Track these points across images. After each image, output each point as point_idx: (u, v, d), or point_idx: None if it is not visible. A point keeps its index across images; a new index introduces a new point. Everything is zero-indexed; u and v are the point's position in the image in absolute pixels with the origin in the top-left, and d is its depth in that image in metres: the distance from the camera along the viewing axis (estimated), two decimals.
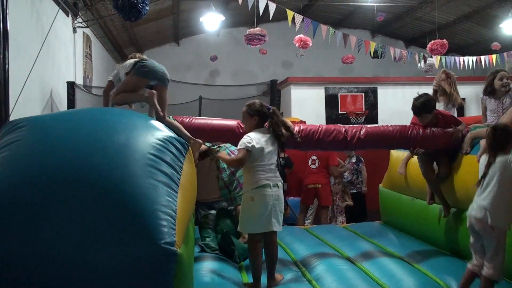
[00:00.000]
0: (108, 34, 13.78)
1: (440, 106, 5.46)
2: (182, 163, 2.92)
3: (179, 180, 2.75)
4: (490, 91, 4.98)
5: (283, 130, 4.09)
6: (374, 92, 14.96)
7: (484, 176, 3.53)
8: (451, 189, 4.66)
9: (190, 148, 3.29)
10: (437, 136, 4.67)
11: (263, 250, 4.06)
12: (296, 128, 4.58)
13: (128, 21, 7.55)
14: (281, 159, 8.24)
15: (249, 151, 3.89)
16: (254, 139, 3.94)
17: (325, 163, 7.56)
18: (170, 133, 3.04)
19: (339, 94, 14.76)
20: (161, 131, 2.98)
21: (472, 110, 13.84)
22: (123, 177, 2.48)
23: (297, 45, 11.60)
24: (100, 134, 2.71)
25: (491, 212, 3.43)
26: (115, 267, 2.34)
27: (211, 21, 12.57)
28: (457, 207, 4.72)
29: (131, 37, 15.26)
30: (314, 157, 7.57)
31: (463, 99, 13.62)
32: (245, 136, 4.01)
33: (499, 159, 3.47)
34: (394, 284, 3.98)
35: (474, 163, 4.12)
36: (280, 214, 4.00)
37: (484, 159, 3.64)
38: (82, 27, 11.02)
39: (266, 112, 4.10)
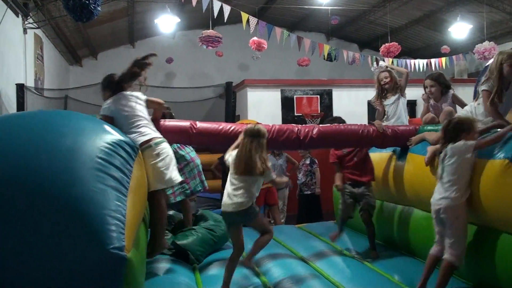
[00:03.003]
0: (61, 35, 13.48)
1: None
2: (132, 167, 2.90)
3: (129, 184, 2.73)
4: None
5: None
6: (329, 94, 15.16)
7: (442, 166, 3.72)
8: (402, 188, 4.79)
9: (140, 151, 3.26)
10: (387, 136, 4.81)
11: None
12: None
13: (79, 22, 7.43)
14: None
15: None
16: None
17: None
18: (120, 136, 3.01)
19: (295, 96, 14.88)
20: (110, 134, 2.94)
21: None
22: (70, 181, 2.45)
23: (252, 47, 11.65)
24: (46, 137, 2.66)
25: (456, 195, 3.60)
26: (63, 272, 2.31)
27: (167, 23, 12.49)
28: (408, 206, 4.86)
29: (84, 38, 14.97)
30: None
31: (415, 101, 14.02)
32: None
33: (450, 147, 3.68)
34: (346, 281, 4.05)
35: (423, 164, 4.27)
36: None
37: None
38: (33, 28, 10.75)
39: None
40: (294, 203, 8.74)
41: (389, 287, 3.99)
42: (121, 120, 3.85)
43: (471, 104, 4.34)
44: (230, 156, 4.04)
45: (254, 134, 3.95)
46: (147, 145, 3.76)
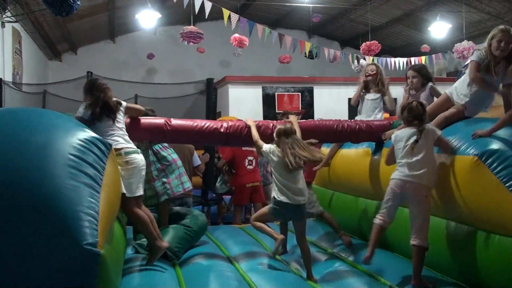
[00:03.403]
0: (40, 29, 13.32)
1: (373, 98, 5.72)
2: (105, 164, 2.89)
3: (102, 180, 2.72)
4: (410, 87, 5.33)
5: None
6: (310, 91, 15.24)
7: (416, 142, 3.76)
8: (378, 183, 4.82)
9: (113, 148, 3.24)
10: (362, 131, 4.85)
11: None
12: (225, 125, 4.62)
13: (59, 16, 7.35)
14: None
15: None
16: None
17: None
18: (92, 134, 3.00)
19: (276, 94, 14.93)
20: (83, 132, 2.93)
21: None
22: (42, 178, 2.44)
23: (233, 44, 11.63)
24: (18, 135, 2.65)
25: (427, 175, 3.71)
26: (36, 269, 2.30)
27: (147, 18, 12.41)
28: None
29: (64, 33, 14.82)
30: (251, 158, 7.68)
31: (395, 99, 14.13)
32: None
33: (424, 128, 3.79)
34: (322, 278, 4.08)
35: None
36: None
37: (403, 132, 3.90)
38: (11, 22, 10.60)
39: None
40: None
41: (365, 282, 4.01)
42: (98, 127, 3.83)
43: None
44: (272, 153, 4.24)
45: (288, 132, 4.21)
46: (117, 153, 3.74)
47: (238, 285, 3.90)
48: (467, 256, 3.60)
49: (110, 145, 3.16)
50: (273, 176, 4.34)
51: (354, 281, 4.01)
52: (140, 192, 4.01)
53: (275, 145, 4.27)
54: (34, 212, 2.34)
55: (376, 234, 3.95)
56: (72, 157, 2.63)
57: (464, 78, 4.20)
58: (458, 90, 4.20)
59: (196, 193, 8.19)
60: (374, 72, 5.70)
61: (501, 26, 3.97)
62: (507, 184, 3.21)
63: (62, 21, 13.14)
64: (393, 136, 4.04)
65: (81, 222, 2.36)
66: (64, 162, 2.57)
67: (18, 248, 2.31)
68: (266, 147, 4.34)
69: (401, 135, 3.90)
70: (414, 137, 3.76)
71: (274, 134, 4.28)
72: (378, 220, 3.95)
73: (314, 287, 3.93)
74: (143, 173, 4.03)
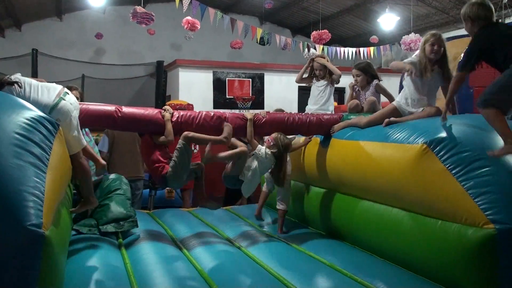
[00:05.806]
0: None
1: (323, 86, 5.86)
2: (52, 143, 2.82)
3: (48, 160, 2.66)
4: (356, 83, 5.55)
5: None
6: (261, 78, 15.30)
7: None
8: (325, 172, 4.93)
9: (60, 127, 3.16)
10: (312, 123, 4.94)
11: None
12: (176, 114, 4.58)
13: None
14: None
15: None
16: None
17: (204, 146, 7.78)
18: (39, 113, 2.92)
19: (227, 79, 14.91)
20: (29, 110, 2.85)
21: None
22: None
23: (185, 27, 11.51)
24: None
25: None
26: None
27: None
28: (331, 189, 5.01)
29: (8, 8, 14.22)
30: None
31: (343, 88, 14.39)
32: None
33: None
34: (270, 262, 4.13)
35: (347, 148, 4.46)
36: None
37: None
38: None
39: None
40: (222, 185, 8.81)
41: (312, 266, 4.10)
42: None
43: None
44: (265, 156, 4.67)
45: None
46: None
47: (184, 266, 3.92)
48: (412, 243, 3.69)
49: (58, 124, 3.08)
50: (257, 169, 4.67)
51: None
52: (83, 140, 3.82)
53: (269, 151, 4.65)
54: None
55: (262, 198, 5.53)
56: (17, 135, 2.56)
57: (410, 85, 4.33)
58: (412, 97, 4.32)
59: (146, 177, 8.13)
60: (323, 71, 5.88)
61: (432, 31, 4.24)
62: (453, 171, 3.33)
63: None
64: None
65: (25, 202, 2.31)
66: (9, 141, 2.50)
67: None
68: (261, 149, 4.66)
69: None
70: None
71: (282, 145, 4.65)
72: (265, 188, 5.53)
73: (268, 269, 3.98)
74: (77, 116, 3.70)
